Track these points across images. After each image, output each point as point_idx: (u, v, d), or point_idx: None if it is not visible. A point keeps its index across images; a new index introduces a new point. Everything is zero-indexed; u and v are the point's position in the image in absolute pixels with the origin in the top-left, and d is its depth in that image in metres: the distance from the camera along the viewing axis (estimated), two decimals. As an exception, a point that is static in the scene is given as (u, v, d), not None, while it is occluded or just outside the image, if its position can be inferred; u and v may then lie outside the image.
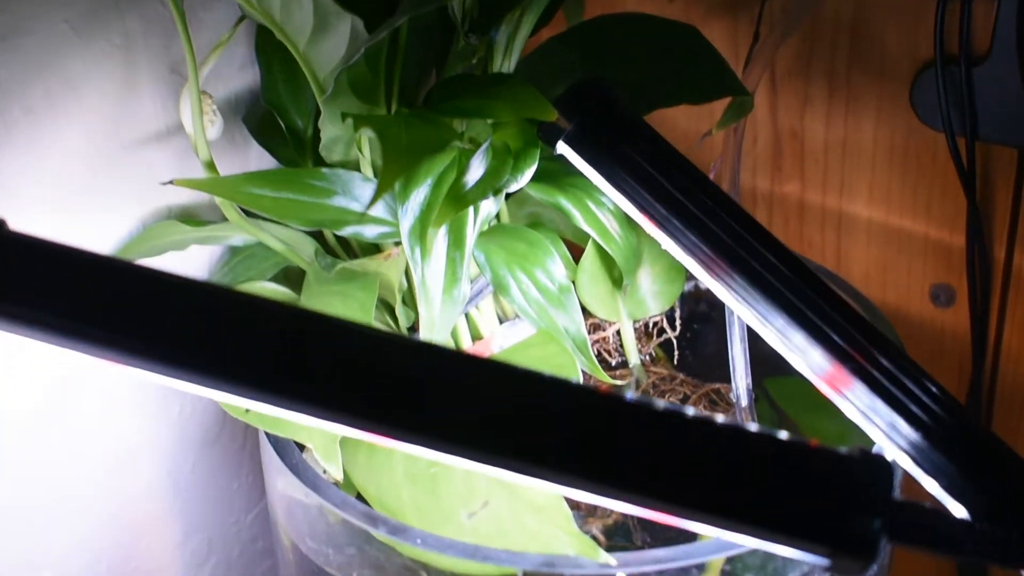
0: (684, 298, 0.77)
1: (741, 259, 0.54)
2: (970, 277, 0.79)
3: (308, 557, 0.62)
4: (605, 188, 0.57)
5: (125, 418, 0.68)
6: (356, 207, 0.63)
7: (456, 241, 0.62)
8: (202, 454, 0.74)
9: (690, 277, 0.76)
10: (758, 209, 0.87)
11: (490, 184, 0.60)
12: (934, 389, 0.51)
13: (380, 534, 0.57)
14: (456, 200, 0.59)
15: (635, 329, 0.76)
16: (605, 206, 0.68)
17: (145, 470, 0.70)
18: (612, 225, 0.69)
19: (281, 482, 0.64)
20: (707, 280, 0.55)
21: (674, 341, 0.76)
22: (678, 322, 0.76)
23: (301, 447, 0.62)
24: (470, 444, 0.43)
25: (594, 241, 0.70)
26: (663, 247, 0.56)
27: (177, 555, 0.74)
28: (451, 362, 0.45)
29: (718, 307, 0.76)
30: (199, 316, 0.44)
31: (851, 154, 0.81)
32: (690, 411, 0.41)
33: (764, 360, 0.68)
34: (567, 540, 0.54)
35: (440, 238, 0.62)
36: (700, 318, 0.79)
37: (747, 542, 0.40)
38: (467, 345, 0.71)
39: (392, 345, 0.45)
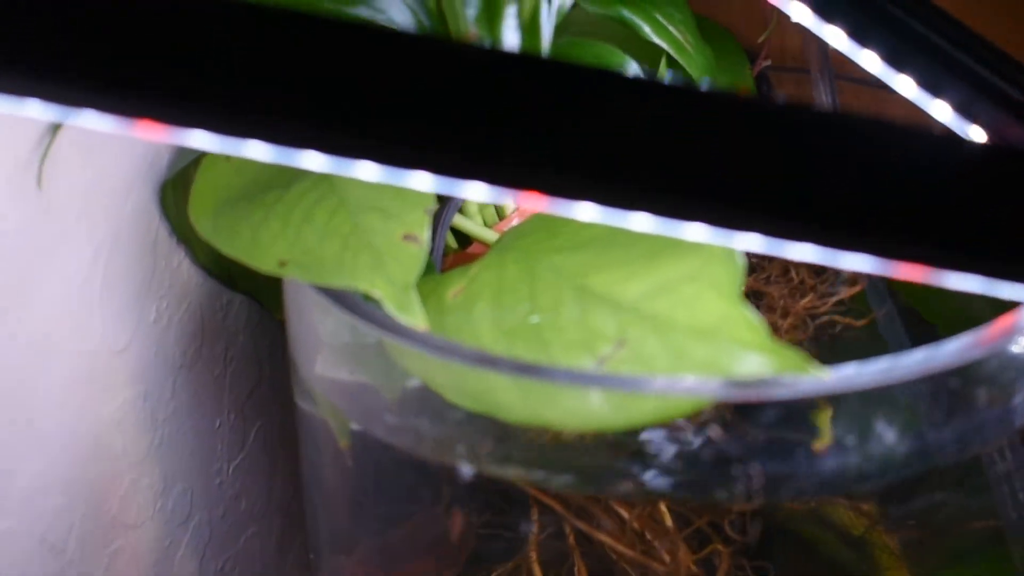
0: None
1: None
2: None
3: (382, 443, 0.48)
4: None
5: (94, 321, 0.53)
6: None
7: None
8: (181, 379, 0.59)
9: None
10: None
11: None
12: None
13: (507, 376, 0.44)
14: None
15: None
16: (674, 17, 0.57)
17: (119, 390, 0.55)
18: (684, 37, 0.57)
19: (327, 357, 0.50)
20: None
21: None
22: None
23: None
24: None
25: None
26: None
27: (157, 508, 0.58)
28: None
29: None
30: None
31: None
32: None
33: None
34: (761, 358, 0.41)
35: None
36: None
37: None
38: (511, 210, 0.58)
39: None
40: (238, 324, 0.62)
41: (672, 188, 0.36)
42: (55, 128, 0.49)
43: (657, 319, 0.44)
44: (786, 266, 0.57)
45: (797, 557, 0.53)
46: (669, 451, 0.43)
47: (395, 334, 0.45)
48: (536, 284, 0.47)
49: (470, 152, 0.37)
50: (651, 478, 0.44)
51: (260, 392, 0.64)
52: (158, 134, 0.36)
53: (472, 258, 0.53)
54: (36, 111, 0.34)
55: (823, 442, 0.43)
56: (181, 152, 0.56)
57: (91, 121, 0.36)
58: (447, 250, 0.57)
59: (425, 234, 0.47)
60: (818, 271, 0.57)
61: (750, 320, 0.42)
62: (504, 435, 0.46)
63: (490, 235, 0.56)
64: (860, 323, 0.55)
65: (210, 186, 0.52)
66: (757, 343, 0.41)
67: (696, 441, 0.43)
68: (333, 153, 0.36)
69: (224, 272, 0.60)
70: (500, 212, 0.57)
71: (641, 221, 0.37)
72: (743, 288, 0.43)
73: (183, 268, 0.58)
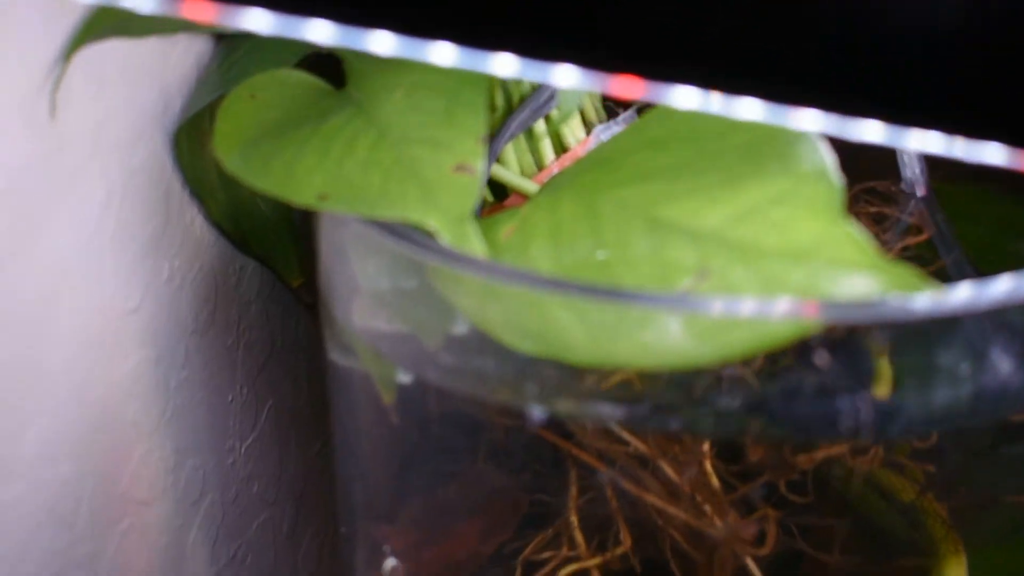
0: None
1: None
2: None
3: (431, 395, 0.44)
4: None
5: (105, 274, 0.49)
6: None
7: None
8: (193, 345, 0.54)
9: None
10: None
11: None
12: None
13: (572, 311, 0.40)
14: None
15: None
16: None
17: (131, 353, 0.50)
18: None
19: (365, 306, 0.45)
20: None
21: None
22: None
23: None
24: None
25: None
26: None
27: (169, 484, 0.54)
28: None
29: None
30: None
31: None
32: None
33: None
34: (867, 278, 0.37)
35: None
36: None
37: None
38: (550, 158, 0.54)
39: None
40: (251, 291, 0.57)
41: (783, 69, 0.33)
42: (68, 53, 0.44)
43: (744, 246, 0.40)
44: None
45: (846, 522, 0.49)
46: (765, 383, 0.40)
47: (451, 262, 0.41)
48: (599, 220, 0.43)
49: (559, 33, 0.33)
50: (740, 413, 0.40)
51: (271, 367, 0.60)
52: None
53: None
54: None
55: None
56: (195, 97, 0.51)
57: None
58: (484, 203, 0.53)
59: (480, 164, 0.43)
60: (878, 219, 0.53)
61: (853, 236, 0.38)
62: (569, 375, 0.42)
63: (530, 186, 0.52)
64: (929, 270, 0.51)
65: (235, 124, 0.47)
66: (862, 261, 0.38)
67: (798, 369, 0.39)
68: (407, 33, 0.32)
69: (238, 232, 0.56)
70: (539, 160, 0.53)
71: (749, 107, 0.33)
72: (842, 207, 0.39)
73: (196, 225, 0.54)
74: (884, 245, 0.53)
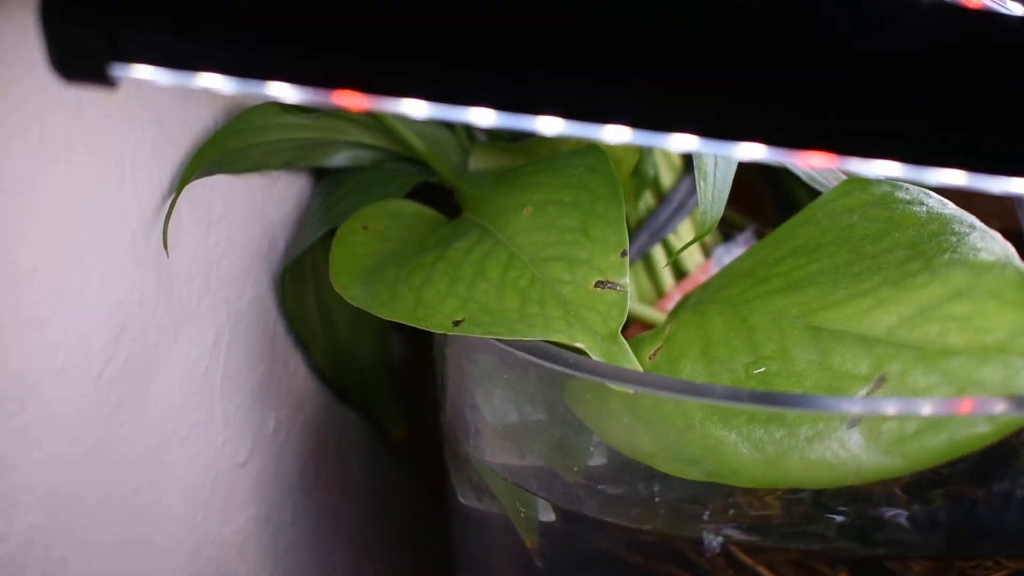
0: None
1: None
2: None
3: (579, 532, 0.40)
4: None
5: (215, 423, 0.46)
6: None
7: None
8: (300, 503, 0.51)
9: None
10: None
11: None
12: None
13: (737, 429, 0.37)
14: None
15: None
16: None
17: (241, 509, 0.47)
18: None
19: (495, 442, 0.42)
20: None
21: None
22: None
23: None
24: None
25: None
26: None
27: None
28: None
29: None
30: None
31: None
32: None
33: None
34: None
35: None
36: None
37: None
38: (669, 284, 0.51)
39: None
40: (352, 444, 0.54)
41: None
42: (180, 186, 0.42)
43: (924, 347, 0.37)
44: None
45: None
46: (969, 492, 0.36)
47: (606, 377, 0.38)
48: (753, 333, 0.40)
49: (735, 111, 0.31)
50: (947, 533, 0.37)
51: (380, 522, 0.56)
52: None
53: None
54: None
55: None
56: (299, 236, 0.49)
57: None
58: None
59: (624, 279, 0.40)
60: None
61: (1057, 325, 0.35)
62: (733, 499, 0.39)
63: (653, 313, 0.50)
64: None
65: (350, 255, 0.45)
66: (1068, 352, 0.34)
67: (1000, 479, 0.36)
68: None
69: (341, 379, 0.53)
70: (658, 287, 0.51)
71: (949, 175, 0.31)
72: None
73: (300, 374, 0.51)
74: None
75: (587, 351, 0.39)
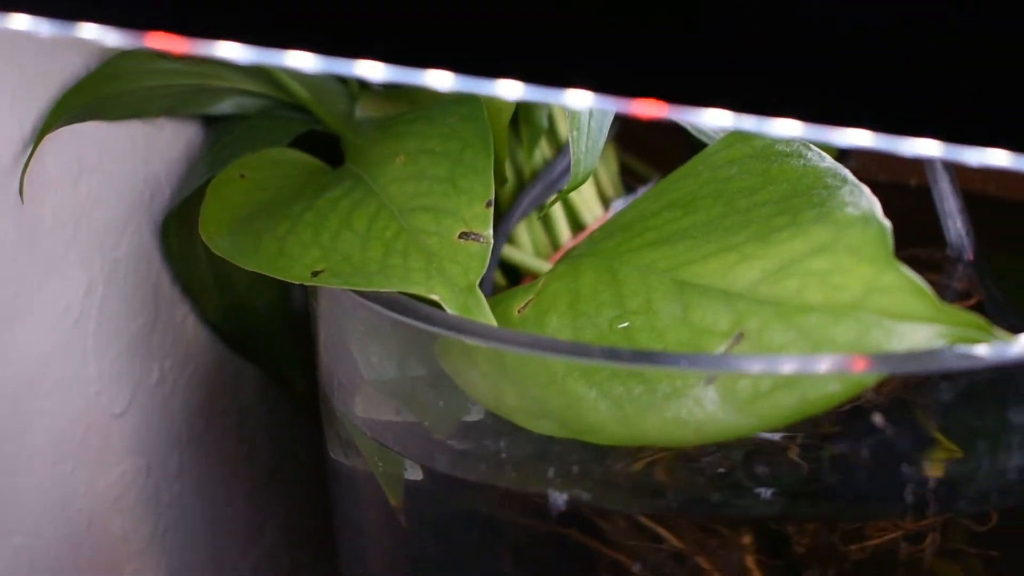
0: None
1: None
2: None
3: (442, 493, 0.39)
4: None
5: (88, 373, 0.45)
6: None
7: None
8: (188, 455, 0.50)
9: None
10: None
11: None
12: None
13: (595, 386, 0.36)
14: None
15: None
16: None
17: (118, 460, 0.46)
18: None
19: (369, 397, 0.41)
20: None
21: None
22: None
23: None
24: None
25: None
26: None
27: None
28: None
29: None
30: None
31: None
32: None
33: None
34: (927, 329, 0.33)
35: None
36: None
37: None
38: (566, 236, 0.50)
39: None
40: (250, 396, 0.53)
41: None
42: (39, 136, 0.41)
43: (782, 303, 0.36)
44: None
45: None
46: (814, 454, 0.35)
47: (458, 332, 0.37)
48: (621, 287, 0.39)
49: (567, 55, 0.30)
50: (789, 494, 0.36)
51: (276, 480, 0.56)
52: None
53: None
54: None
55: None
56: (184, 184, 0.48)
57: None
58: (495, 287, 0.49)
59: (487, 230, 0.39)
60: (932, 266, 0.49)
61: (909, 282, 0.34)
62: (593, 459, 0.38)
63: (545, 266, 0.49)
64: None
65: (224, 204, 0.44)
66: (918, 309, 0.33)
67: (852, 436, 0.35)
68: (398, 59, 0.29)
69: (235, 332, 0.52)
70: (554, 240, 0.50)
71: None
72: (892, 251, 0.35)
73: (188, 324, 0.50)
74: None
75: (442, 303, 0.38)
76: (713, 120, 0.29)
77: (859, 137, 0.28)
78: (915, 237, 0.50)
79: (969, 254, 0.49)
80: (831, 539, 0.39)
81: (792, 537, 0.40)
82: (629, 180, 0.53)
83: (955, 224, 0.49)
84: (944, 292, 0.49)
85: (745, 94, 0.29)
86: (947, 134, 0.28)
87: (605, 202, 0.51)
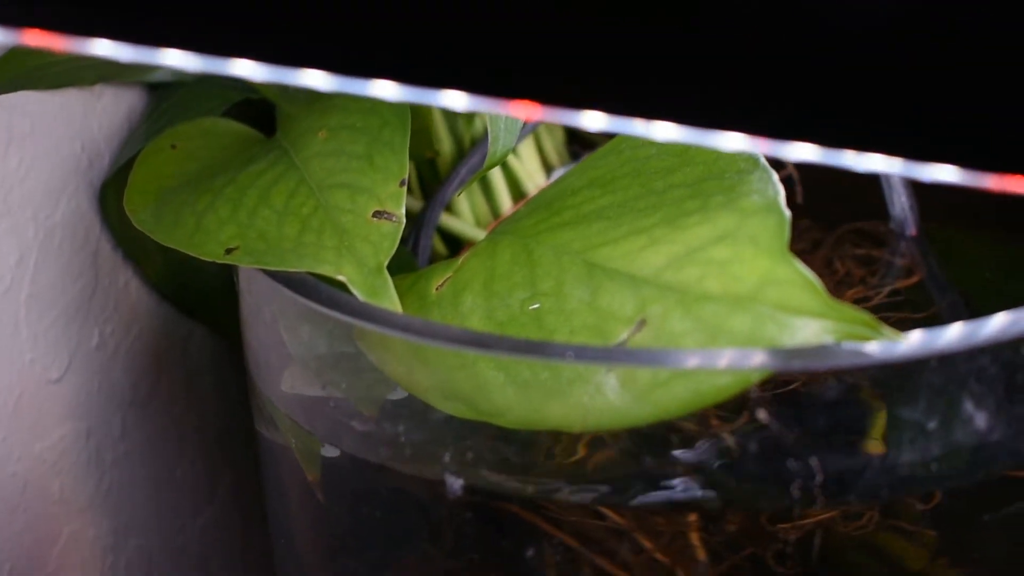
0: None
1: None
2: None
3: (358, 470, 0.40)
4: None
5: (20, 340, 0.45)
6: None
7: None
8: (132, 418, 0.51)
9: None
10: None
11: None
12: None
13: (500, 370, 0.36)
14: None
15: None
16: None
17: (55, 425, 0.47)
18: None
19: (295, 373, 0.42)
20: None
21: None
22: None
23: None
24: None
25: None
26: None
27: (107, 566, 0.50)
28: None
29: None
30: None
31: None
32: None
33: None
34: (816, 324, 0.33)
35: None
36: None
37: None
38: (507, 206, 0.50)
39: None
40: (201, 358, 0.54)
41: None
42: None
43: (684, 291, 0.35)
44: (829, 257, 0.49)
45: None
46: (707, 446, 0.35)
47: (366, 320, 0.37)
48: (535, 267, 0.39)
49: (444, 58, 0.30)
50: (683, 484, 0.36)
51: (228, 440, 0.56)
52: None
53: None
54: None
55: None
56: (123, 151, 0.48)
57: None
58: (435, 256, 0.49)
59: (400, 210, 0.39)
60: (866, 261, 0.49)
61: (800, 277, 0.34)
62: (502, 442, 0.38)
63: (482, 236, 0.49)
64: (920, 316, 0.47)
65: (151, 175, 0.44)
66: (809, 304, 0.33)
67: (742, 431, 0.35)
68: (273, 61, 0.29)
69: (181, 295, 0.52)
70: (495, 208, 0.50)
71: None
72: (788, 243, 0.35)
73: (131, 288, 0.50)
74: (872, 288, 0.48)
75: (349, 285, 0.38)
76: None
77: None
78: (861, 210, 0.50)
79: (913, 229, 0.49)
80: (758, 520, 0.40)
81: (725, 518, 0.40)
82: (576, 148, 0.53)
83: (900, 198, 0.49)
84: (887, 268, 0.49)
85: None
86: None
87: (549, 170, 0.51)
